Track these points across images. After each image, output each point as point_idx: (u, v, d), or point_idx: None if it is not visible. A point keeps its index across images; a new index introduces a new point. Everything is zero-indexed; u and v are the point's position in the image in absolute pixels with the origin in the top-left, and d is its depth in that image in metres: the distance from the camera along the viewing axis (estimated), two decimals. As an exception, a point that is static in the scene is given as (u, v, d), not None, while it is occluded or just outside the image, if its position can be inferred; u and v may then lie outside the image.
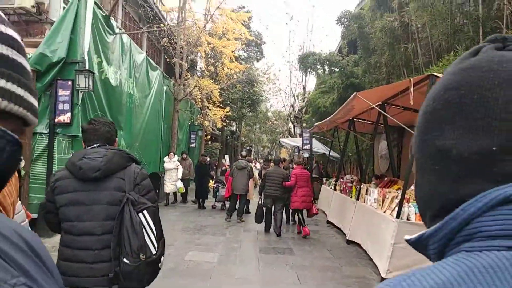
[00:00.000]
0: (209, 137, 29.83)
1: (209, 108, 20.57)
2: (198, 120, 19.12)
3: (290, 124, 21.75)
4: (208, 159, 12.23)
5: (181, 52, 15.56)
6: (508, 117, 0.41)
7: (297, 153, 19.66)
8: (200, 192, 11.40)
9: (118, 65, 9.48)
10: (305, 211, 8.25)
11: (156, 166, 13.14)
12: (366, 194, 7.19)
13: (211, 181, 12.05)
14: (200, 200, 11.44)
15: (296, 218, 8.32)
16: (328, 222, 9.59)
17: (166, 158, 11.28)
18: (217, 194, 11.21)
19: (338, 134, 12.84)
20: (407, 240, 0.52)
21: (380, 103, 7.35)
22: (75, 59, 6.84)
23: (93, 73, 6.81)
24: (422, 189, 0.51)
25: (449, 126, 0.45)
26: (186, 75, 17.52)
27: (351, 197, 8.09)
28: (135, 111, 10.67)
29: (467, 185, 0.43)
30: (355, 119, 9.92)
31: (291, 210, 8.81)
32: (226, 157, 27.64)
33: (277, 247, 6.91)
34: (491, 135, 0.41)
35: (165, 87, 14.24)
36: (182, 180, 11.06)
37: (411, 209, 5.13)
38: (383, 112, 6.72)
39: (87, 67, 6.64)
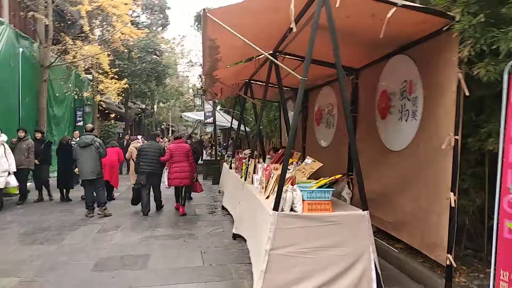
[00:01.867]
0: (112, 115, 26.52)
1: (100, 79, 17.44)
2: (86, 94, 15.66)
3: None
4: (69, 139, 9.51)
5: (45, 7, 12.29)
6: None
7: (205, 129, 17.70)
8: (64, 180, 8.83)
9: None
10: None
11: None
12: (254, 172, 5.38)
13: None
14: (64, 190, 8.91)
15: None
16: (223, 207, 7.75)
17: None
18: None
19: (240, 104, 10.94)
20: None
21: (271, 51, 5.52)
22: None
23: None
24: None
25: None
26: (64, 39, 14.29)
27: (241, 177, 6.27)
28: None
29: None
30: (252, 82, 8.08)
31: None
32: (139, 137, 24.86)
33: (131, 255, 4.84)
34: None
35: (21, 49, 11.04)
36: (17, 171, 7.69)
37: (296, 194, 3.34)
38: (274, 60, 4.81)
39: None
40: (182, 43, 25.39)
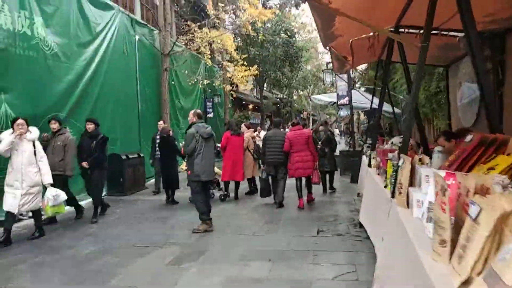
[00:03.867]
0: (251, 106, 25.98)
1: (228, 66, 16.42)
2: (206, 82, 14.21)
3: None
4: (170, 130, 7.98)
5: (163, -10, 11.46)
6: None
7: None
8: (167, 179, 7.50)
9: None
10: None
11: (131, 145, 9.65)
12: (411, 183, 2.61)
13: (184, 161, 7.93)
14: (169, 191, 7.56)
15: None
16: (361, 225, 5.11)
17: (5, 135, 4.92)
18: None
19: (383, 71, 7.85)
20: None
21: None
22: None
23: None
24: None
25: None
26: (188, 25, 13.55)
27: (385, 186, 3.51)
28: (47, 63, 6.98)
29: None
30: (400, 29, 5.11)
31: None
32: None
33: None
34: None
35: (137, 37, 10.35)
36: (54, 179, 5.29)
37: None
38: None
39: None
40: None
